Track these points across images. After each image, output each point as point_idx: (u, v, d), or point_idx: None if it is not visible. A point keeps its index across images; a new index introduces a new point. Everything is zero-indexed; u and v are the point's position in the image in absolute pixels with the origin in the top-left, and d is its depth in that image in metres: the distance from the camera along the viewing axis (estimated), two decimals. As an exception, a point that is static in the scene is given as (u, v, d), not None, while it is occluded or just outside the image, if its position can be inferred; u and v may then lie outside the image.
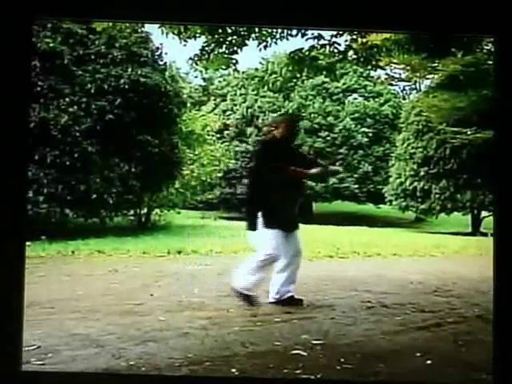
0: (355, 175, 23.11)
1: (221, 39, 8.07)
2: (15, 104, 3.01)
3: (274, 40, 8.42)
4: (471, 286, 8.37)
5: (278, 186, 6.46)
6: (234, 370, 4.21)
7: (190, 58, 8.46)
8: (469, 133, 19.94)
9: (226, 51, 8.22)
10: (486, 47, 17.22)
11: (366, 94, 25.21)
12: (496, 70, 3.05)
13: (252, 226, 6.53)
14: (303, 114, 23.93)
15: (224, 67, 8.66)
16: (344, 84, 24.91)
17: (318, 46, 8.49)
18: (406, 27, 3.36)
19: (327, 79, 23.72)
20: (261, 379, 4.10)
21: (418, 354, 4.70)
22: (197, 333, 5.26)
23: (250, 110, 24.13)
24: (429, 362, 4.53)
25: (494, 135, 3.05)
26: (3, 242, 3.01)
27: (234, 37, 8.25)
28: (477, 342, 5.19)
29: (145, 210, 17.13)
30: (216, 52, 8.21)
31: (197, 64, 8.57)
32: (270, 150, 6.70)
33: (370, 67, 9.62)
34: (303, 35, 8.12)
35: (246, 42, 8.42)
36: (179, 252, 11.29)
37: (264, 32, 8.20)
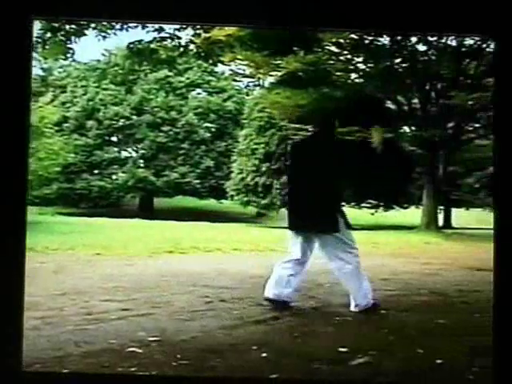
0: (197, 170, 23.12)
1: (55, 26, 7.80)
2: (15, 104, 3.03)
3: (114, 31, 8.26)
4: (309, 278, 8.55)
5: None
6: (65, 371, 4.05)
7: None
8: (310, 129, 20.46)
9: (63, 39, 7.97)
10: (326, 47, 17.82)
11: (210, 90, 25.28)
12: (496, 70, 3.08)
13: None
14: (145, 108, 23.68)
15: (61, 56, 8.39)
16: (188, 79, 24.85)
17: (159, 39, 8.41)
18: (407, 27, 3.35)
19: (171, 73, 23.60)
20: (261, 379, 3.98)
21: (255, 348, 4.72)
22: (29, 334, 5.02)
23: (90, 103, 23.58)
24: (264, 354, 4.56)
25: (494, 136, 3.07)
26: (3, 242, 3.01)
27: (72, 26, 8.00)
28: (312, 334, 5.29)
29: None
30: (52, 40, 7.94)
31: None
32: None
33: (211, 62, 9.65)
34: (143, 27, 8.02)
35: (85, 32, 8.20)
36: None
37: (104, 23, 8.01)
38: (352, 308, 6.21)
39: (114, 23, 7.96)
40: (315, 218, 6.28)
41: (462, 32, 4.70)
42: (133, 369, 4.13)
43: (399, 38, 16.68)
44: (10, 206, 3.00)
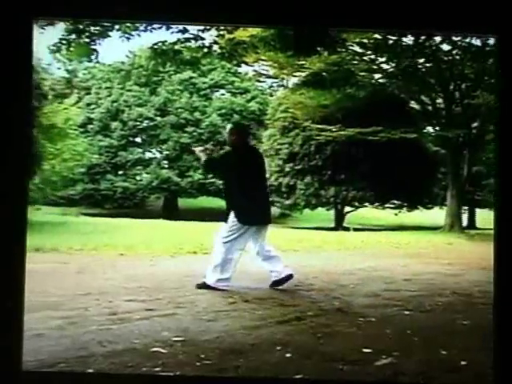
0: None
1: (80, 28, 7.86)
2: (15, 104, 2.99)
3: (138, 32, 8.30)
4: (332, 279, 8.54)
5: None
6: (90, 370, 4.07)
7: (50, 47, 8.20)
8: (333, 130, 20.44)
9: (87, 40, 8.02)
10: (350, 48, 17.78)
11: (234, 90, 25.33)
12: (496, 69, 3.07)
13: None
14: (169, 109, 23.77)
15: (85, 57, 8.44)
16: (211, 79, 24.92)
17: (183, 40, 8.43)
18: (407, 27, 3.36)
19: (195, 74, 23.67)
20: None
21: (278, 348, 4.71)
22: (52, 333, 5.06)
23: (115, 104, 23.71)
24: (288, 354, 4.56)
25: (495, 135, 3.06)
26: (3, 242, 2.99)
27: (97, 28, 8.05)
28: (335, 334, 5.28)
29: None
30: (76, 42, 8.00)
31: (57, 53, 8.32)
32: None
33: (235, 63, 9.66)
34: (168, 28, 8.04)
35: (109, 33, 8.24)
36: (37, 250, 10.88)
37: (128, 24, 8.05)
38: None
39: (137, 24, 8.01)
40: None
41: (463, 31, 4.66)
42: (156, 369, 4.13)
43: (423, 37, 16.59)
44: (10, 206, 2.99)
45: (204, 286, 7.24)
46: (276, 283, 7.39)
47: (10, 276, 3.01)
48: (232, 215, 7.30)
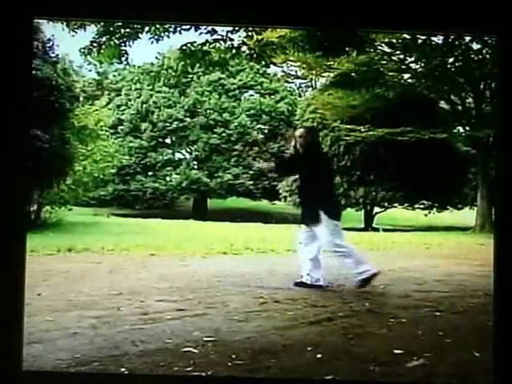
0: (250, 172, 23.19)
1: (111, 30, 7.92)
2: (16, 103, 3.01)
3: (167, 34, 8.34)
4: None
5: None
6: (123, 370, 4.11)
7: (81, 49, 8.28)
8: (362, 130, 20.37)
9: (118, 42, 8.08)
10: (379, 47, 17.73)
11: (262, 91, 25.34)
12: (497, 69, 3.07)
13: None
14: (199, 110, 23.85)
15: (116, 59, 8.51)
16: (240, 80, 24.96)
17: (212, 41, 8.46)
18: (407, 27, 3.38)
19: (223, 75, 23.74)
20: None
21: (309, 349, 4.72)
22: (86, 332, 5.12)
23: (144, 106, 23.84)
24: (319, 355, 4.56)
25: (496, 135, 3.07)
26: (3, 242, 3.01)
27: (127, 29, 8.11)
28: (366, 335, 5.27)
29: (34, 207, 16.63)
30: (107, 43, 8.06)
31: (88, 55, 8.39)
32: None
33: (263, 63, 9.67)
34: (196, 29, 8.06)
35: (139, 35, 8.29)
36: (69, 250, 11.00)
37: (158, 26, 8.09)
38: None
39: (167, 25, 8.05)
40: None
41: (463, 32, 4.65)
42: (188, 368, 4.16)
43: (452, 37, 16.46)
44: (10, 207, 3.02)
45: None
46: (302, 284, 7.45)
47: (10, 276, 3.03)
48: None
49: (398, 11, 3.08)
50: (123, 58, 8.50)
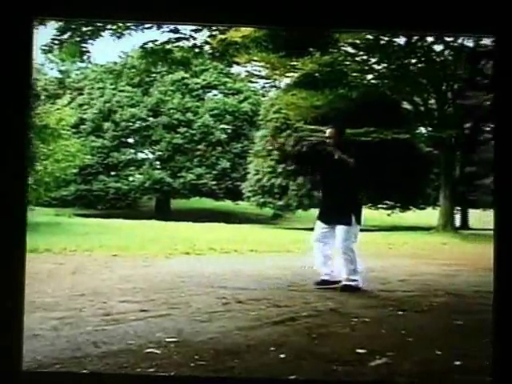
0: (213, 172, 23.13)
1: (72, 27, 7.84)
2: (15, 104, 3.02)
3: (128, 32, 8.28)
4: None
5: None
6: (85, 371, 4.06)
7: (42, 47, 8.19)
8: (326, 131, 20.38)
9: (79, 40, 8.00)
10: (342, 48, 17.80)
11: (226, 91, 25.28)
12: (496, 69, 3.07)
13: None
14: (162, 110, 23.72)
15: (77, 58, 8.43)
16: (204, 80, 24.86)
17: (174, 40, 8.42)
18: (408, 27, 3.36)
19: (187, 75, 23.62)
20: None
21: (273, 349, 4.71)
22: (47, 334, 5.05)
23: (107, 105, 23.64)
24: (282, 355, 4.55)
25: (494, 134, 3.06)
26: (3, 241, 3.02)
27: (89, 27, 8.03)
28: (330, 335, 5.28)
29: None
30: (68, 42, 7.98)
31: (49, 53, 8.31)
32: None
33: (226, 63, 9.65)
34: (159, 28, 8.03)
35: (101, 33, 8.23)
36: (32, 251, 10.84)
37: (120, 24, 8.03)
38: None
39: (128, 24, 7.99)
40: None
41: (462, 32, 4.69)
42: (151, 369, 4.13)
43: (415, 38, 16.62)
44: (10, 207, 3.01)
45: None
46: (324, 282, 7.59)
47: (10, 276, 3.02)
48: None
49: (398, 11, 3.08)
50: (85, 57, 8.42)
